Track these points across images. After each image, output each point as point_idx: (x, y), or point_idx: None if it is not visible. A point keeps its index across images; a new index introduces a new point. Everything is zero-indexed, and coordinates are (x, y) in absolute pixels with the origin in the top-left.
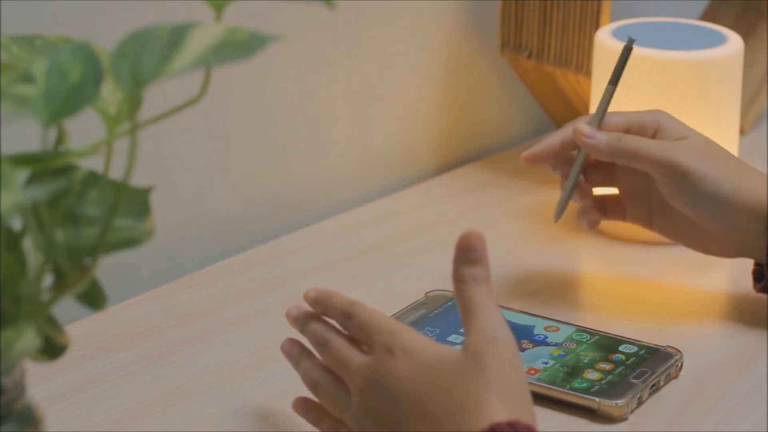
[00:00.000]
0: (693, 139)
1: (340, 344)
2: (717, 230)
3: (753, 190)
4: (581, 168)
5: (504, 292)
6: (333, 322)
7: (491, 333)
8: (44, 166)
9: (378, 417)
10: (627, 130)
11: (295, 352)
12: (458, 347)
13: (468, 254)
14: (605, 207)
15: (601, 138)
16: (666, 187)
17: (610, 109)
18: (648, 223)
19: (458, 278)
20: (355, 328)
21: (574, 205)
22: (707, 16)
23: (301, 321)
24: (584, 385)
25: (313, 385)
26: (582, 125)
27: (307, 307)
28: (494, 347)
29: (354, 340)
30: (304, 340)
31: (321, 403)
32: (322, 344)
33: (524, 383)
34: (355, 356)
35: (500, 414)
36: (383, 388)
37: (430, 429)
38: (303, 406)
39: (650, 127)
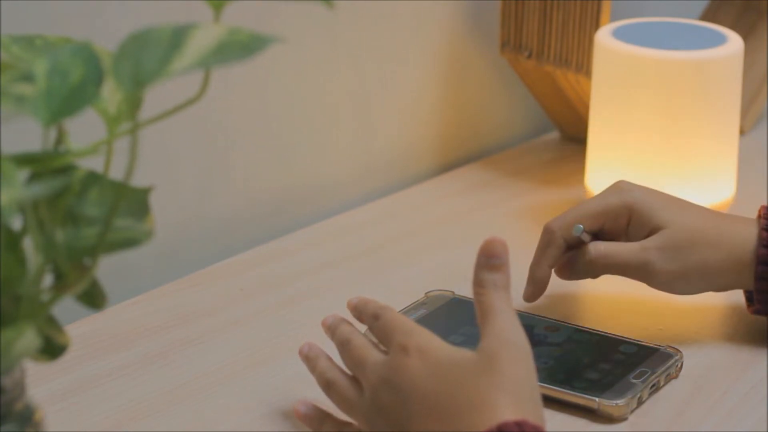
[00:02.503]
0: (671, 228)
1: (360, 343)
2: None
3: (740, 249)
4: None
5: None
6: (362, 326)
7: (506, 336)
8: (44, 166)
9: (388, 414)
10: (602, 226)
11: (312, 354)
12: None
13: (490, 260)
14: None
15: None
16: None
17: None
18: None
19: (479, 283)
20: (378, 329)
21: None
22: (707, 16)
23: (333, 327)
24: (584, 385)
25: (327, 385)
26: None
27: (342, 316)
28: (509, 350)
29: (377, 344)
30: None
31: (333, 402)
32: (344, 344)
33: (536, 388)
34: (372, 355)
35: (509, 414)
36: (395, 386)
37: (438, 427)
38: (303, 410)
39: (623, 214)
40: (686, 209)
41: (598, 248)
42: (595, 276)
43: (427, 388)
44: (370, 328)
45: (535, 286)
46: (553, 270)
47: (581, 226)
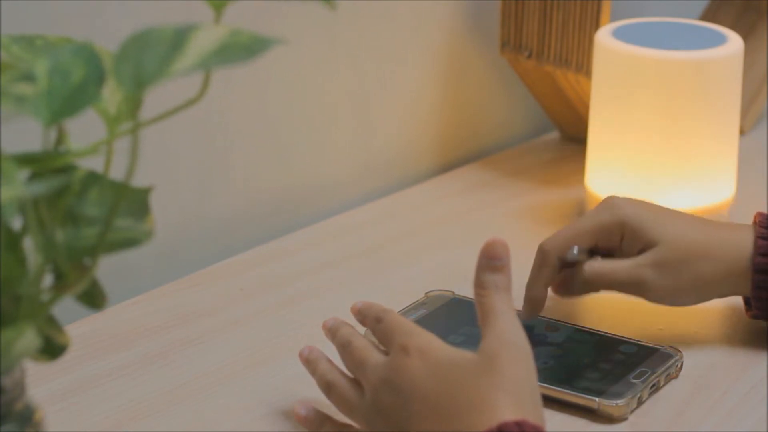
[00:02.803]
0: (664, 244)
1: (361, 345)
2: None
3: (735, 258)
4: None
5: None
6: (363, 329)
7: (507, 337)
8: (44, 166)
9: (389, 415)
10: (596, 243)
11: (312, 357)
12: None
13: (491, 262)
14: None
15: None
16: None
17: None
18: None
19: (480, 284)
20: (380, 331)
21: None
22: (707, 16)
23: (333, 329)
24: (584, 385)
25: (327, 387)
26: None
27: (342, 319)
28: (509, 351)
29: (377, 346)
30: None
31: (334, 404)
32: (344, 346)
33: (536, 388)
34: (373, 356)
35: (509, 414)
36: (396, 386)
37: (438, 427)
38: (303, 413)
39: (616, 231)
40: (679, 222)
41: (592, 267)
42: (593, 291)
43: (428, 388)
44: (373, 331)
45: (532, 306)
46: (550, 289)
47: (575, 250)
